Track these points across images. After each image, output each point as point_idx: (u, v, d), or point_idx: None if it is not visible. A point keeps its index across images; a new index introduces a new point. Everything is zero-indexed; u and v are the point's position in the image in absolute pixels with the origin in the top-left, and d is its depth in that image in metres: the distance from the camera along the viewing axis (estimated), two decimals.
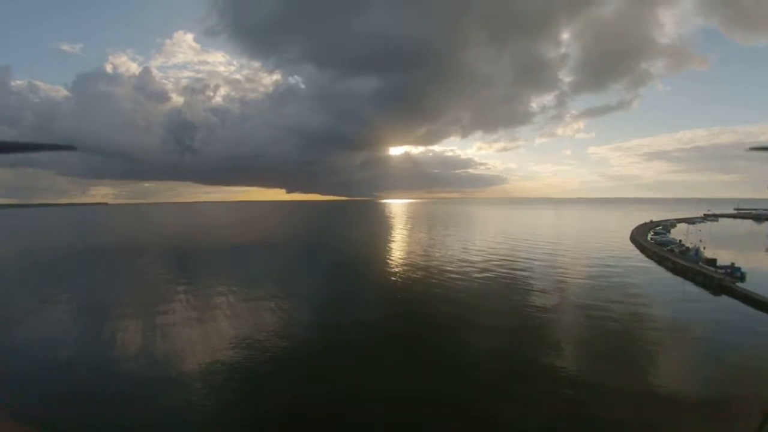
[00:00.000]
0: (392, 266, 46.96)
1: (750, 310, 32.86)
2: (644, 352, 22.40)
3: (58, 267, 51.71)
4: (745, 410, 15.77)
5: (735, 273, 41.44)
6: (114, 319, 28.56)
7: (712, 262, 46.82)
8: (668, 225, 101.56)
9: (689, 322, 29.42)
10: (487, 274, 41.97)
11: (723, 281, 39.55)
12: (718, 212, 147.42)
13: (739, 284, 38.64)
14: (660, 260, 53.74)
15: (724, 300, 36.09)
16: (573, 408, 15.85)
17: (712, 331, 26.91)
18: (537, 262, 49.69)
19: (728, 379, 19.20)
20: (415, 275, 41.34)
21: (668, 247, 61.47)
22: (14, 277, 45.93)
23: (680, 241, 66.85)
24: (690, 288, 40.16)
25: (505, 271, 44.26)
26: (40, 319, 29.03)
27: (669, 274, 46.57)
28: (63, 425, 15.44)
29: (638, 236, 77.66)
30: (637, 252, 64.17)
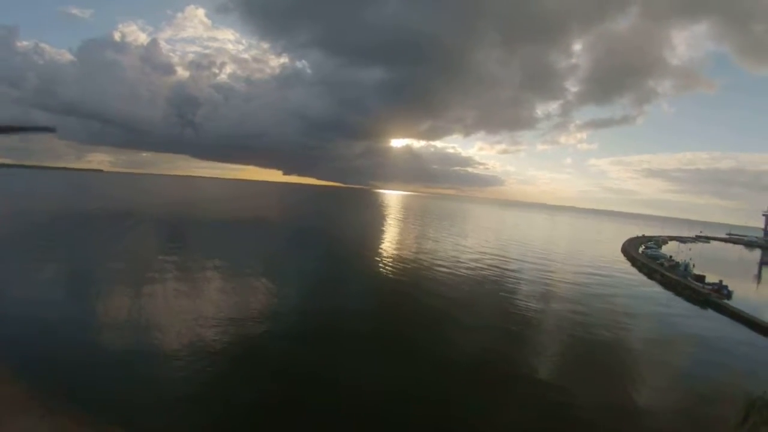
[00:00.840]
0: (382, 257, 46.46)
1: (734, 325, 33.01)
2: (625, 361, 22.06)
3: (47, 232, 50.76)
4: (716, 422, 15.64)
5: (722, 291, 41.54)
6: (99, 286, 27.81)
7: (700, 278, 46.99)
8: (660, 241, 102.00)
9: (674, 333, 29.46)
10: (476, 273, 41.58)
11: (710, 297, 39.71)
12: (710, 234, 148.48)
13: (726, 302, 38.80)
14: (649, 273, 53.91)
15: (710, 314, 36.21)
16: (549, 412, 15.48)
17: (696, 344, 26.95)
18: (527, 265, 49.41)
19: (706, 393, 19.04)
20: (404, 267, 40.78)
21: (658, 261, 61.68)
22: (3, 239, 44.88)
23: (670, 256, 67.08)
24: (677, 301, 40.22)
25: (494, 271, 43.91)
26: (26, 281, 28.25)
27: (657, 287, 46.68)
28: (37, 385, 15.06)
29: (629, 248, 77.96)
30: (627, 263, 64.42)
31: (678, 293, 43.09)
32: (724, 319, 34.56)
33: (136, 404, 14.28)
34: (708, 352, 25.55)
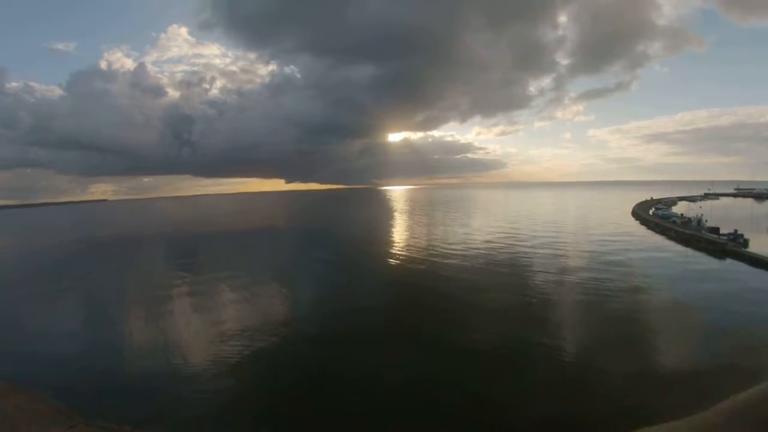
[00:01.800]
0: (395, 250, 46.43)
1: (755, 270, 33.03)
2: (652, 323, 21.62)
3: (61, 261, 51.57)
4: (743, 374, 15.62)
5: (738, 239, 41.38)
6: (120, 308, 28.22)
7: (715, 230, 46.73)
8: (669, 202, 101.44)
9: (694, 285, 29.23)
10: (490, 253, 41.42)
11: (727, 246, 39.61)
12: (718, 191, 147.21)
13: (744, 250, 38.69)
14: (663, 231, 53.77)
15: (729, 263, 36.19)
16: (574, 390, 15.01)
17: (718, 295, 26.66)
18: (539, 239, 49.31)
19: (740, 344, 18.76)
20: (416, 256, 40.62)
21: (670, 220, 61.43)
22: (19, 273, 45.61)
23: (682, 214, 66.78)
24: (695, 254, 40.19)
25: (507, 249, 43.70)
26: (47, 310, 28.70)
27: (673, 243, 46.58)
28: (65, 401, 15.57)
29: (640, 211, 77.62)
30: (639, 225, 64.21)
31: (694, 247, 43.02)
32: (744, 266, 34.54)
33: (161, 415, 14.54)
34: (735, 301, 25.26)
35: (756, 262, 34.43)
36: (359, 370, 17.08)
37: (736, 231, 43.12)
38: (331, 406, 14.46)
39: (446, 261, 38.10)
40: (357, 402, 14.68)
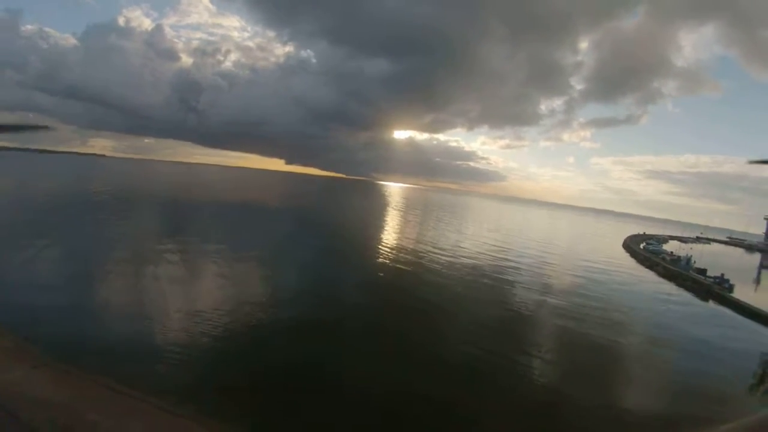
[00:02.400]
0: (383, 247, 45.37)
1: (736, 316, 32.89)
2: (624, 352, 21.36)
3: (54, 213, 50.40)
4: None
5: (724, 283, 41.37)
6: (105, 266, 26.80)
7: (702, 271, 46.80)
8: (661, 239, 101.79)
9: (673, 321, 28.89)
10: (476, 264, 40.52)
11: (712, 288, 39.55)
12: (711, 237, 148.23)
13: (728, 294, 38.62)
14: (651, 265, 53.73)
15: (712, 305, 36.07)
16: (544, 410, 14.51)
17: (695, 333, 26.49)
18: (528, 258, 48.52)
19: (706, 385, 18.57)
20: (405, 258, 39.32)
21: (660, 256, 61.49)
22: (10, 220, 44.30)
23: (672, 252, 66.93)
24: (679, 292, 40.06)
25: (494, 263, 42.85)
26: (34, 262, 27.64)
27: (659, 279, 46.49)
28: (32, 340, 15.14)
29: (631, 244, 77.75)
30: (628, 257, 64.26)
31: (680, 285, 42.90)
32: (725, 311, 34.42)
33: (124, 356, 14.43)
34: (713, 340, 25.25)
35: (738, 308, 34.30)
36: (330, 365, 16.10)
37: (722, 275, 43.10)
38: (295, 398, 13.73)
39: (433, 266, 36.83)
40: (322, 399, 13.88)
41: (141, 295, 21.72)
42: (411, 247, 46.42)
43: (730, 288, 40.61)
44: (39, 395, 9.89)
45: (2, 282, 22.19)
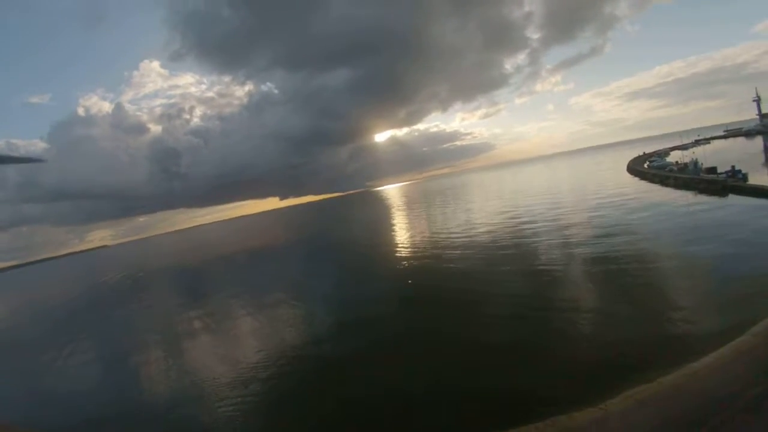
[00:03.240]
0: (395, 248, 45.00)
1: (759, 201, 32.65)
2: (666, 276, 20.65)
3: (71, 312, 50.83)
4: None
5: (737, 175, 41.03)
6: (139, 350, 26.77)
7: (712, 170, 46.42)
8: (662, 153, 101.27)
9: (701, 226, 28.61)
10: (493, 236, 39.74)
11: (727, 182, 39.31)
12: (708, 136, 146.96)
13: (744, 184, 38.42)
14: (661, 180, 53.51)
15: (732, 198, 35.89)
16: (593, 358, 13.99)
17: (725, 230, 26.21)
18: (540, 214, 47.59)
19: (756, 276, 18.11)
20: (422, 254, 38.40)
21: (667, 169, 61.19)
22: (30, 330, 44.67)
23: (677, 162, 66.51)
24: (696, 198, 39.85)
25: (510, 229, 41.93)
26: (67, 361, 27.30)
27: (673, 191, 46.34)
28: None
29: (635, 166, 77.44)
30: (637, 180, 63.97)
31: (695, 189, 42.75)
32: (748, 199, 34.21)
33: None
34: (745, 232, 24.85)
35: (759, 193, 34.07)
36: (380, 385, 15.35)
37: (733, 167, 42.76)
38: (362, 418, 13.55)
39: (454, 252, 36.21)
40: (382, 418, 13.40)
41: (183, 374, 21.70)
42: (425, 239, 46.26)
43: (744, 177, 40.26)
44: None
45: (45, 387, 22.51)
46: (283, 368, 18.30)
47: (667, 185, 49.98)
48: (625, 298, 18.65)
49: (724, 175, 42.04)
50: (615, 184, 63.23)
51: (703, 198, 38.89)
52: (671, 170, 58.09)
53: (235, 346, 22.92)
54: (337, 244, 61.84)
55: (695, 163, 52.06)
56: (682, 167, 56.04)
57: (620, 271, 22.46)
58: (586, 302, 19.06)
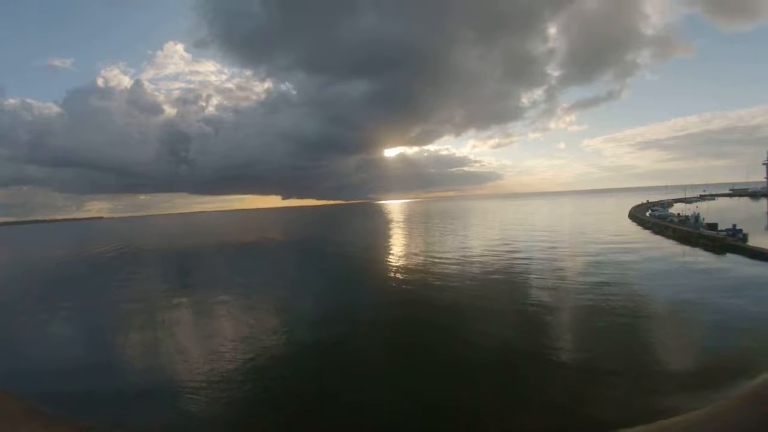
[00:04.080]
0: (390, 262, 44.78)
1: (756, 263, 32.16)
2: (650, 321, 20.49)
3: (59, 277, 50.29)
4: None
5: (737, 234, 40.63)
6: (120, 322, 26.61)
7: (713, 226, 45.94)
8: (665, 203, 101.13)
9: (694, 282, 28.00)
10: (486, 260, 39.84)
11: (726, 240, 38.89)
12: (714, 193, 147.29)
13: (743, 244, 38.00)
14: (660, 230, 53.13)
15: (729, 257, 35.38)
16: (574, 403, 13.46)
17: (718, 289, 25.63)
18: (536, 249, 47.17)
19: (744, 336, 17.87)
20: (414, 271, 37.77)
21: (667, 219, 60.89)
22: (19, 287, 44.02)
23: (678, 214, 66.25)
24: (693, 251, 39.40)
25: (504, 255, 42.27)
26: (48, 322, 27.32)
27: (670, 242, 45.87)
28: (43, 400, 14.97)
29: (637, 213, 77.19)
30: (637, 226, 63.68)
31: (693, 244, 42.28)
32: (745, 260, 33.69)
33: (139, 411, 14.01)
34: (737, 295, 24.24)
35: (757, 255, 33.62)
36: (358, 390, 15.23)
37: (734, 226, 42.42)
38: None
39: (446, 271, 36.22)
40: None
41: (168, 355, 20.96)
42: (420, 258, 45.63)
43: (744, 237, 39.87)
44: None
45: (22, 349, 22.16)
46: (247, 359, 18.14)
47: (665, 236, 49.56)
48: (597, 347, 18.09)
49: (724, 233, 41.62)
50: (615, 228, 62.91)
51: (699, 252, 38.42)
52: (671, 221, 57.79)
53: (201, 334, 22.40)
54: (330, 252, 61.23)
55: (696, 217, 51.77)
56: (683, 219, 55.75)
57: (602, 319, 21.65)
58: (559, 347, 18.56)
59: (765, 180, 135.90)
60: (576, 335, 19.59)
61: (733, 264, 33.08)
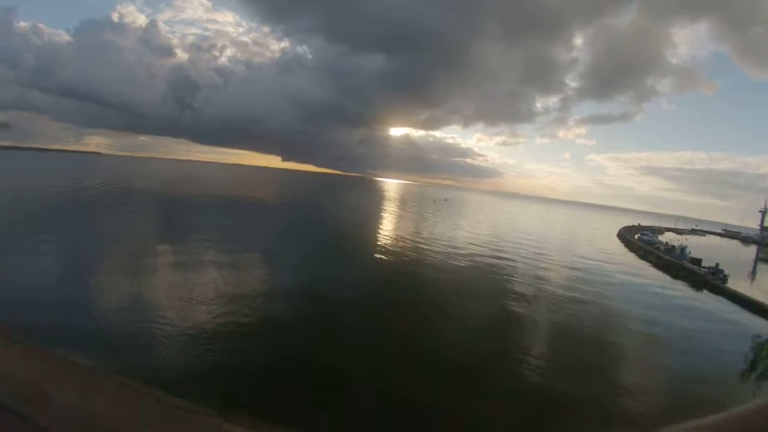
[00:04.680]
0: (380, 241, 44.61)
1: (730, 306, 32.64)
2: (618, 345, 20.62)
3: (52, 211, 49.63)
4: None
5: (718, 274, 41.10)
6: (100, 262, 25.97)
7: (697, 261, 46.53)
8: (656, 230, 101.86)
9: (667, 312, 28.36)
10: (471, 257, 39.77)
11: (706, 278, 39.36)
12: (706, 229, 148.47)
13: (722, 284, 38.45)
14: (644, 255, 53.62)
15: (706, 295, 35.83)
16: (537, 405, 14.09)
17: (689, 324, 25.98)
18: (522, 250, 48.10)
19: (706, 371, 18.49)
20: (400, 251, 38.63)
21: (654, 246, 61.42)
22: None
23: (666, 242, 66.84)
24: (673, 283, 39.83)
25: (489, 255, 42.16)
26: (32, 258, 26.00)
27: (653, 269, 46.33)
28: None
29: (625, 234, 77.73)
30: (623, 247, 64.22)
31: (674, 275, 42.69)
32: (720, 300, 34.08)
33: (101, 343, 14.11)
34: (707, 331, 24.91)
35: (733, 298, 34.09)
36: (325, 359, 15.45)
37: (717, 265, 42.90)
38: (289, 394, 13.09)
39: (429, 259, 36.48)
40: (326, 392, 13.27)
41: (137, 288, 21.46)
42: (410, 240, 45.89)
43: (725, 278, 40.25)
44: (4, 370, 9.61)
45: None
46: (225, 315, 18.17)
47: (648, 261, 50.07)
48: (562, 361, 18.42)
49: (705, 270, 42.11)
50: (601, 246, 63.44)
51: (678, 285, 38.82)
52: (657, 248, 58.32)
53: (184, 287, 22.44)
54: (323, 220, 61.17)
55: (683, 249, 52.23)
56: (669, 249, 56.27)
57: (570, 326, 22.41)
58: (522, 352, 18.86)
59: (758, 227, 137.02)
60: (542, 347, 19.84)
61: (707, 302, 33.52)
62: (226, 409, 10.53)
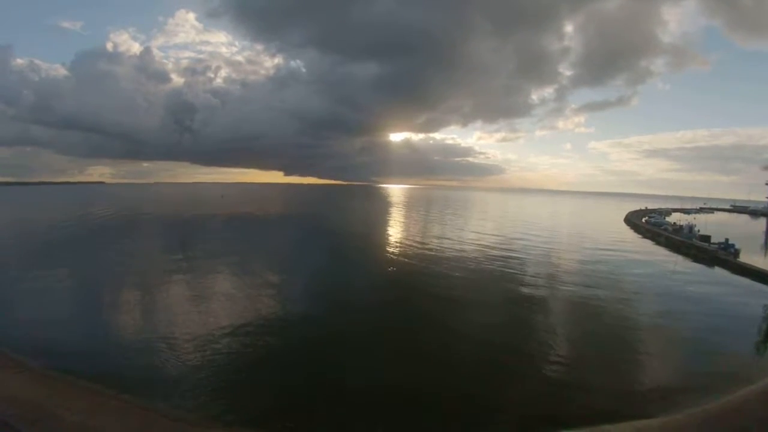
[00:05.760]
0: (388, 246, 44.46)
1: (743, 280, 32.11)
2: (631, 328, 20.34)
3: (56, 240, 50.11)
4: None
5: (729, 249, 40.45)
6: (114, 286, 26.49)
7: (706, 238, 45.97)
8: (663, 212, 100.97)
9: (681, 291, 28.00)
10: (482, 252, 39.90)
11: (717, 254, 38.84)
12: (714, 207, 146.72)
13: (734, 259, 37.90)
14: (653, 237, 53.17)
15: (718, 271, 35.33)
16: (559, 394, 13.77)
17: (704, 301, 25.70)
18: (532, 240, 48.04)
19: (715, 350, 18.01)
20: (409, 252, 38.90)
21: (662, 227, 60.85)
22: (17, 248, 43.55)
23: (674, 223, 66.18)
24: (683, 261, 39.38)
25: (501, 248, 42.41)
26: (42, 287, 26.18)
27: (663, 249, 45.85)
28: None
29: (633, 218, 77.14)
30: (631, 231, 63.65)
31: (684, 254, 42.23)
32: (732, 276, 33.53)
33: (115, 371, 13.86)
34: (722, 307, 24.52)
35: (746, 271, 33.52)
36: (344, 368, 15.43)
37: (727, 240, 42.23)
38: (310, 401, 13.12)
39: (441, 259, 36.42)
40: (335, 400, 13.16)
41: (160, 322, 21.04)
42: (419, 242, 45.71)
43: (736, 253, 39.48)
44: (14, 394, 9.72)
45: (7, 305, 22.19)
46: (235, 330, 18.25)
47: (658, 243, 49.54)
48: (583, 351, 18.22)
49: (715, 246, 41.51)
50: (609, 232, 63.03)
51: (689, 264, 38.31)
52: (665, 229, 57.74)
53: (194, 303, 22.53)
54: (329, 231, 61.23)
55: (691, 227, 51.65)
56: (677, 229, 55.68)
57: (587, 310, 22.38)
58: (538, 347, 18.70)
59: (766, 199, 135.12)
60: (553, 338, 19.59)
61: (719, 277, 33.18)
62: (233, 428, 10.52)
